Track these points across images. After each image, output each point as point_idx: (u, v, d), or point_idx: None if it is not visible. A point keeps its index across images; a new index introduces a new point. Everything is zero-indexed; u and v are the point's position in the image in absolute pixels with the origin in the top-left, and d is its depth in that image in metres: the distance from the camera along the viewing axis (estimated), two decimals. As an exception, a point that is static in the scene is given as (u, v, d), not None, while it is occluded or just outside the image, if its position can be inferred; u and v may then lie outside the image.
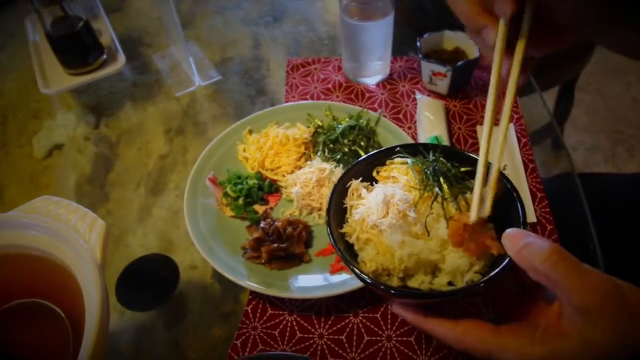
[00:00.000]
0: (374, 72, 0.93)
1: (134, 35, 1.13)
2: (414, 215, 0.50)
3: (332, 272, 0.67)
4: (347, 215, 0.54)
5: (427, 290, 0.49)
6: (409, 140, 0.80)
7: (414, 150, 0.56)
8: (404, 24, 1.04)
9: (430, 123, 0.83)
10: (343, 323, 0.65)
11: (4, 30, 1.19)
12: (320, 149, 0.81)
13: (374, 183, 0.57)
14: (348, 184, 0.55)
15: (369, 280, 0.47)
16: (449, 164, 0.53)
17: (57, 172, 0.88)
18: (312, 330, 0.65)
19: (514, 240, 0.42)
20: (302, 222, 0.71)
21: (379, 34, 0.86)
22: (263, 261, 0.67)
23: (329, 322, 0.65)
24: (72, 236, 0.51)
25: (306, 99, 0.93)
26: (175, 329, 0.67)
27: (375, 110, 0.88)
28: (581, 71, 1.50)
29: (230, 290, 0.70)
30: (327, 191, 0.73)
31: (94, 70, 0.99)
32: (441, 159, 0.54)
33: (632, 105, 2.15)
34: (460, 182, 0.52)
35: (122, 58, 1.00)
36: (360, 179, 0.56)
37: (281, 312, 0.66)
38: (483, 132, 0.50)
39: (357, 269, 0.48)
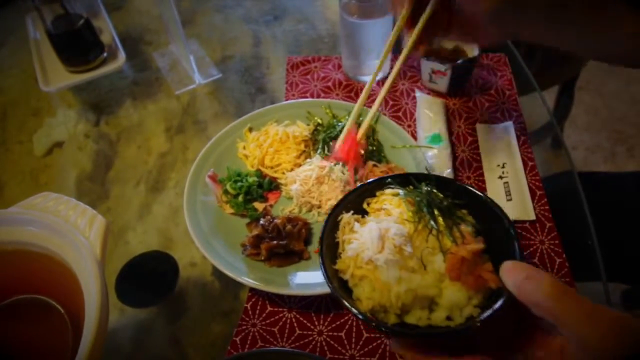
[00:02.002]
0: (374, 70, 0.93)
1: (134, 33, 1.13)
2: (410, 250, 0.49)
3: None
4: (340, 250, 0.53)
5: (425, 327, 0.48)
6: (409, 138, 0.80)
7: (404, 180, 0.55)
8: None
9: (429, 121, 0.84)
10: (342, 320, 0.65)
11: (5, 28, 1.19)
12: (320, 146, 0.81)
13: (364, 215, 0.55)
14: (339, 218, 0.54)
15: (365, 320, 0.46)
16: (441, 195, 0.52)
17: (57, 170, 0.88)
18: (312, 327, 0.65)
19: (513, 274, 0.42)
20: (302, 219, 0.71)
21: (378, 32, 0.86)
22: (262, 258, 0.68)
23: (328, 319, 0.65)
24: (71, 232, 0.51)
25: (306, 97, 0.93)
26: (175, 326, 0.67)
27: (375, 108, 0.88)
28: (581, 70, 1.50)
29: (229, 287, 0.70)
30: (326, 189, 0.73)
31: (95, 68, 0.99)
32: (433, 190, 0.53)
33: (631, 105, 2.15)
34: (454, 214, 0.51)
35: (122, 56, 1.00)
36: (352, 212, 0.54)
37: (280, 309, 0.67)
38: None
39: (354, 307, 0.47)
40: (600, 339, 0.36)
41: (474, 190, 0.53)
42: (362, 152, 0.76)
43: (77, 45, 0.96)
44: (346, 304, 0.47)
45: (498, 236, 0.49)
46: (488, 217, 0.51)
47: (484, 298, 0.48)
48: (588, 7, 0.58)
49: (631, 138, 2.03)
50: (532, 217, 0.72)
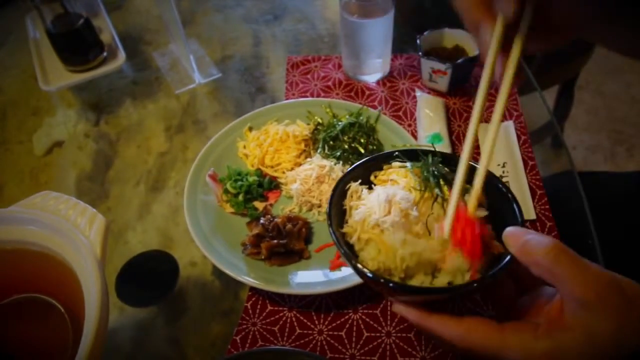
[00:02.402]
0: (374, 69, 0.93)
1: (134, 33, 1.13)
2: (416, 213, 0.50)
3: (332, 269, 0.67)
4: (347, 217, 0.54)
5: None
6: (409, 137, 0.80)
7: (412, 154, 0.56)
8: (403, 21, 1.04)
9: (430, 120, 0.83)
10: (343, 319, 0.65)
11: (5, 27, 1.19)
12: (320, 145, 0.81)
13: (372, 187, 0.56)
14: (347, 187, 0.55)
15: (369, 275, 0.47)
16: (446, 168, 0.54)
17: (57, 169, 0.88)
18: (312, 326, 0.65)
19: (515, 237, 0.43)
20: (302, 218, 0.71)
21: (379, 31, 0.86)
22: (263, 257, 0.68)
23: (329, 318, 0.65)
24: (71, 231, 0.51)
25: (306, 97, 0.93)
26: (175, 325, 0.67)
27: (375, 107, 0.88)
28: (581, 70, 1.50)
29: (230, 287, 0.70)
30: (327, 188, 0.73)
31: (94, 68, 0.99)
32: (439, 163, 0.54)
33: (631, 105, 2.15)
34: None
35: (122, 55, 1.00)
36: (359, 181, 0.56)
37: (281, 308, 0.66)
38: (468, 132, 0.49)
39: (359, 264, 0.48)
40: (598, 297, 0.37)
41: (477, 166, 0.54)
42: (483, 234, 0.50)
43: (77, 44, 0.96)
44: (354, 262, 0.48)
45: (500, 209, 0.50)
46: (489, 190, 0.52)
47: (486, 265, 0.48)
48: None
49: (631, 138, 2.03)
50: (533, 216, 0.72)
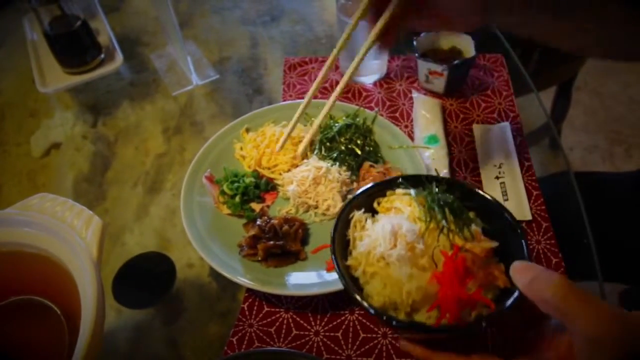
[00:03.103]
0: (371, 71, 0.94)
1: (131, 35, 1.13)
2: (422, 247, 0.49)
3: (328, 270, 0.67)
4: (351, 247, 0.53)
5: (434, 323, 0.48)
6: (406, 138, 0.80)
7: (416, 181, 0.56)
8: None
9: (426, 122, 0.84)
10: (339, 320, 0.65)
11: (2, 29, 1.19)
12: (317, 147, 0.81)
13: (374, 215, 0.56)
14: (350, 216, 0.54)
15: (372, 312, 0.47)
16: (451, 196, 0.53)
17: (54, 171, 0.88)
18: (308, 327, 0.65)
19: (523, 272, 0.42)
20: (299, 220, 0.71)
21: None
22: (259, 258, 0.68)
23: (325, 320, 0.65)
24: (68, 233, 0.51)
25: (303, 98, 0.93)
26: (172, 326, 0.67)
27: (372, 109, 0.89)
28: (579, 71, 1.50)
29: (226, 288, 0.70)
30: (323, 189, 0.73)
31: (92, 70, 0.99)
32: (443, 190, 0.54)
33: (629, 105, 2.15)
34: (464, 214, 0.52)
35: (119, 57, 1.00)
36: (362, 210, 0.55)
37: (277, 310, 0.67)
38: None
39: (365, 301, 0.47)
40: (607, 333, 0.37)
41: (482, 193, 0.54)
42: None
43: (75, 46, 0.96)
44: (358, 298, 0.47)
45: (505, 238, 0.50)
46: (495, 219, 0.52)
47: (492, 299, 0.48)
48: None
49: (629, 138, 2.03)
50: (529, 217, 0.73)
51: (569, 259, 0.69)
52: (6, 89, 1.05)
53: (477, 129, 0.85)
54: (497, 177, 0.77)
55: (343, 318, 0.65)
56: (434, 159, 0.79)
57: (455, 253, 0.48)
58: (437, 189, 0.53)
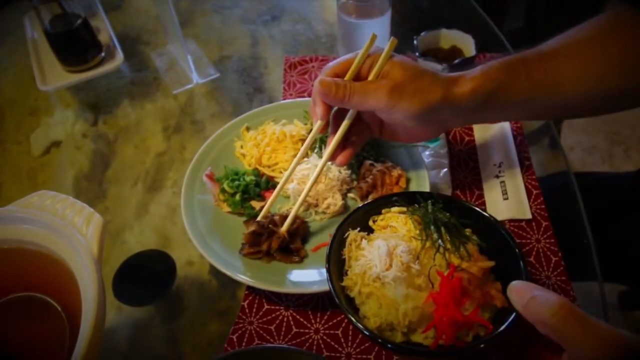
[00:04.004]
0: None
1: (132, 33, 1.14)
2: (418, 267, 0.49)
3: (329, 268, 0.67)
4: (346, 267, 0.53)
5: (431, 344, 0.48)
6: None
7: (410, 198, 0.56)
8: (401, 22, 1.04)
9: (426, 121, 0.84)
10: (339, 318, 0.65)
11: (2, 27, 1.19)
12: (317, 146, 0.81)
13: (369, 233, 0.56)
14: (346, 235, 0.54)
15: (367, 334, 0.47)
16: (447, 214, 0.53)
17: (54, 169, 0.88)
18: (308, 325, 0.65)
19: (520, 293, 0.42)
20: (300, 217, 0.71)
21: (376, 32, 0.86)
22: (259, 256, 0.68)
23: (325, 317, 0.65)
24: (68, 230, 0.51)
25: (303, 97, 0.93)
26: (172, 324, 0.67)
27: (372, 108, 0.89)
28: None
29: (227, 286, 0.70)
30: (323, 187, 0.73)
31: (92, 68, 0.99)
32: (439, 208, 0.53)
33: (629, 106, 2.15)
34: (461, 232, 0.52)
35: (120, 56, 1.00)
36: (358, 229, 0.55)
37: (277, 307, 0.67)
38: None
39: (360, 323, 0.47)
40: (607, 356, 0.36)
41: (479, 210, 0.54)
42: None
43: (75, 44, 0.96)
44: (353, 320, 0.47)
45: (502, 255, 0.50)
46: (492, 236, 0.52)
47: (490, 318, 0.48)
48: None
49: (628, 139, 2.04)
50: (529, 216, 0.73)
51: (568, 259, 0.69)
52: (6, 87, 1.05)
53: (477, 128, 0.85)
54: (497, 176, 0.78)
55: (343, 316, 0.65)
56: (433, 158, 0.79)
57: (451, 273, 0.48)
58: (433, 207, 0.53)
